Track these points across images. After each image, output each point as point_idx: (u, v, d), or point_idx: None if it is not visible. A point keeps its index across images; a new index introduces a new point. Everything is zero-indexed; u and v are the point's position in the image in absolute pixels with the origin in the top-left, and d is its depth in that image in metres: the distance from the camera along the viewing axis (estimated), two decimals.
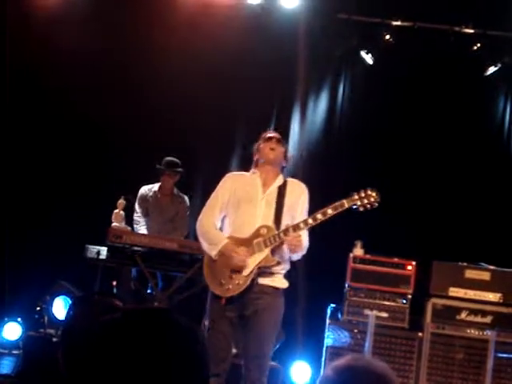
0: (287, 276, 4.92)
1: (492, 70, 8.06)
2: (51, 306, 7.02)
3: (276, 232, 4.72)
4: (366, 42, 8.16)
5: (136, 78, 8.09)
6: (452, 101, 8.19)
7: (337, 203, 4.72)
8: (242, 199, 4.84)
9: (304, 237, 4.79)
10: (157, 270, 6.96)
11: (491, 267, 6.42)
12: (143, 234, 6.95)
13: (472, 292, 6.30)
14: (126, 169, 7.81)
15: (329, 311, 6.43)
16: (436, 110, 8.21)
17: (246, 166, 5.28)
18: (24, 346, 6.75)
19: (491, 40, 7.90)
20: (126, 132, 8.02)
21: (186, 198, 7.52)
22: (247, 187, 4.90)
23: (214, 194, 4.98)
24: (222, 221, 4.95)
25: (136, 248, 6.59)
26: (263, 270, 4.74)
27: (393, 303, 6.36)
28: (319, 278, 7.34)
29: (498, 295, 6.27)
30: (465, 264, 6.43)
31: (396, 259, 6.45)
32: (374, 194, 4.82)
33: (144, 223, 7.38)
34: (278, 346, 6.72)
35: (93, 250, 6.76)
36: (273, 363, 6.53)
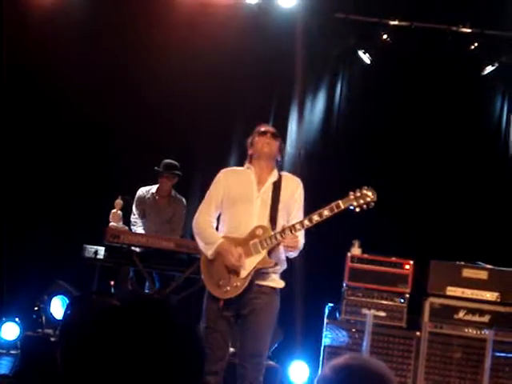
0: (283, 276, 4.92)
1: (489, 69, 8.07)
2: (49, 305, 7.01)
3: (272, 233, 4.70)
4: (364, 42, 8.17)
5: (134, 78, 8.09)
6: (449, 100, 8.20)
7: (333, 204, 4.69)
8: (237, 198, 4.81)
9: (300, 234, 4.78)
10: (154, 270, 6.96)
11: (489, 266, 6.42)
12: (141, 234, 6.95)
13: (469, 291, 6.31)
14: (124, 168, 7.81)
15: (327, 310, 6.43)
16: (433, 110, 8.22)
17: (244, 164, 5.26)
18: (22, 346, 6.75)
19: (488, 39, 7.91)
20: (125, 132, 8.02)
21: (184, 199, 7.53)
22: (242, 185, 4.86)
23: (208, 192, 4.96)
24: (218, 219, 4.94)
25: (133, 248, 6.59)
26: (261, 271, 4.74)
27: (391, 302, 6.36)
28: (317, 277, 7.35)
29: (496, 294, 6.28)
30: (462, 263, 6.43)
31: (394, 258, 6.45)
32: (369, 194, 4.79)
33: (141, 224, 7.39)
34: (276, 346, 6.73)
35: (90, 249, 6.76)
36: (271, 362, 6.54)
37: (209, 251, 4.76)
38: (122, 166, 7.83)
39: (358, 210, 4.76)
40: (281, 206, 4.81)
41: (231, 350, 5.38)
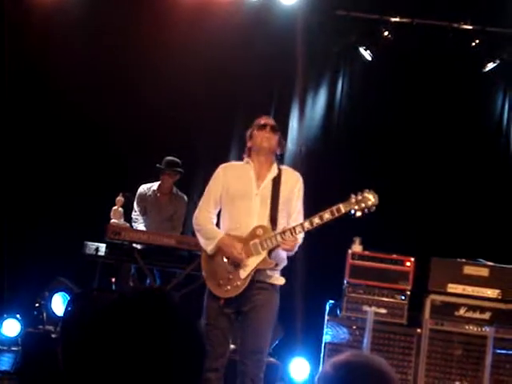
0: (284, 272, 4.93)
1: (490, 66, 8.06)
2: (50, 302, 7.02)
3: (272, 233, 4.69)
4: (365, 39, 8.15)
5: (135, 76, 8.08)
6: (450, 97, 8.19)
7: (334, 207, 4.68)
8: (236, 195, 4.80)
9: (300, 235, 4.79)
10: (155, 267, 6.96)
11: (490, 263, 6.42)
12: (142, 231, 6.96)
13: (470, 288, 6.31)
14: (125, 166, 7.81)
15: (327, 307, 6.43)
16: (434, 107, 8.21)
17: (242, 157, 5.24)
18: (23, 343, 6.76)
19: (490, 36, 7.89)
20: (126, 129, 8.02)
21: (185, 197, 7.52)
22: (241, 181, 4.84)
23: (207, 188, 4.95)
24: (218, 215, 4.93)
25: (135, 244, 6.60)
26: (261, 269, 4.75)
27: (391, 299, 6.36)
28: (318, 274, 7.35)
29: (497, 291, 6.27)
30: (463, 260, 6.43)
31: (394, 255, 6.45)
32: (371, 197, 4.75)
33: (142, 221, 7.39)
34: (276, 343, 6.73)
35: (92, 246, 6.77)
36: (272, 359, 6.55)
37: (209, 246, 4.76)
38: (124, 164, 7.83)
39: (358, 213, 4.74)
40: (281, 203, 4.80)
41: (232, 346, 5.39)
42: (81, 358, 1.50)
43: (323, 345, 6.32)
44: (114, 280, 7.17)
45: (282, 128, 8.35)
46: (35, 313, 7.01)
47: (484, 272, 6.33)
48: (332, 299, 6.51)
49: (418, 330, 6.27)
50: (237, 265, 4.71)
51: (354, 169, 7.99)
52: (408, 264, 6.39)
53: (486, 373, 6.06)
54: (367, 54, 8.20)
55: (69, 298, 6.86)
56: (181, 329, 1.54)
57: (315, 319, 6.68)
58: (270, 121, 4.97)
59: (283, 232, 4.66)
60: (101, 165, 8.04)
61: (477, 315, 6.26)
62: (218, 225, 4.92)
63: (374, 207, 4.77)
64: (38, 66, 8.04)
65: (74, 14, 8.13)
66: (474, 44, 7.92)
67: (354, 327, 6.33)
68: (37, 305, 7.03)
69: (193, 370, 1.54)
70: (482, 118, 8.36)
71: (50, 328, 6.80)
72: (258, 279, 4.74)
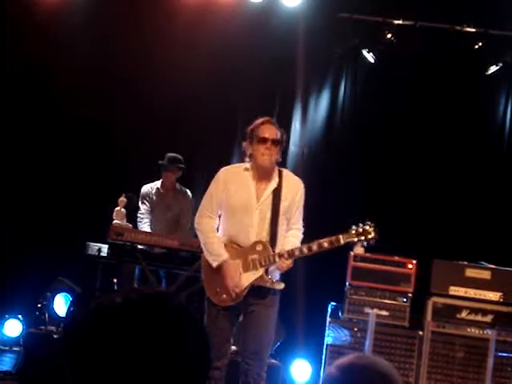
0: (286, 274, 4.94)
1: (493, 69, 8.06)
2: (52, 302, 7.03)
3: (271, 253, 4.70)
4: (368, 41, 8.16)
5: (138, 77, 8.08)
6: (453, 100, 8.19)
7: (333, 238, 4.67)
8: (237, 209, 4.78)
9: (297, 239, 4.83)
10: (158, 268, 6.96)
11: (492, 266, 6.42)
12: (144, 232, 6.95)
13: (472, 291, 6.31)
14: (127, 167, 7.81)
15: (329, 309, 6.43)
16: (437, 109, 8.21)
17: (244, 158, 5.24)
18: (25, 343, 6.76)
19: (493, 39, 7.90)
20: (127, 130, 8.02)
21: (189, 192, 7.51)
22: (241, 193, 4.80)
23: (208, 192, 4.93)
24: (219, 217, 4.94)
25: (137, 246, 6.59)
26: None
27: (393, 302, 6.36)
28: (320, 276, 7.35)
29: (499, 294, 6.27)
30: (465, 263, 6.43)
31: (396, 258, 6.45)
32: (371, 231, 4.73)
33: (147, 220, 7.38)
34: (278, 344, 6.73)
35: (94, 247, 6.76)
36: (273, 361, 6.54)
37: (214, 263, 4.79)
38: (126, 165, 7.83)
39: (358, 246, 4.78)
40: (281, 213, 4.81)
41: (233, 348, 5.40)
42: (84, 360, 1.50)
43: (325, 347, 6.32)
44: (116, 281, 7.17)
45: (284, 130, 8.38)
46: (37, 313, 7.01)
47: (486, 275, 6.33)
48: (334, 301, 6.51)
49: (420, 333, 6.27)
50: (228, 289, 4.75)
51: (355, 171, 7.99)
52: (410, 266, 6.39)
53: (488, 375, 6.06)
54: (370, 57, 8.21)
55: (71, 299, 6.87)
56: (184, 330, 1.54)
57: (317, 321, 6.68)
58: (272, 130, 4.81)
59: (281, 254, 4.69)
60: (103, 166, 8.04)
61: (479, 318, 6.26)
62: (218, 228, 4.94)
63: (373, 242, 4.75)
64: (39, 67, 8.05)
65: (77, 15, 8.14)
66: (476, 47, 7.92)
67: (356, 329, 6.33)
68: (39, 305, 7.03)
69: (198, 371, 1.55)
70: (484, 120, 8.35)
71: (52, 328, 6.79)
72: (257, 284, 4.76)
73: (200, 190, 7.69)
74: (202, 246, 4.91)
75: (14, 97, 7.97)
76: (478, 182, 8.08)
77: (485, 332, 6.20)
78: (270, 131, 4.79)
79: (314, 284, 7.37)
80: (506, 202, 7.98)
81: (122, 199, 6.88)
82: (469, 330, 6.23)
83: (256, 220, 4.77)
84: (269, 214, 4.78)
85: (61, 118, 8.12)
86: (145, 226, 7.32)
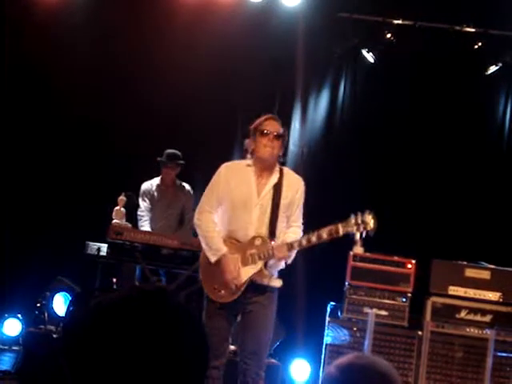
0: (285, 274, 4.94)
1: (493, 69, 8.06)
2: (51, 302, 7.03)
3: (270, 245, 4.70)
4: (367, 41, 8.16)
5: (138, 77, 8.08)
6: (453, 100, 8.19)
7: (332, 227, 4.65)
8: (237, 204, 4.79)
9: (297, 235, 4.81)
10: (157, 267, 6.95)
11: (491, 266, 6.42)
12: (144, 231, 6.96)
13: (472, 291, 6.31)
14: (128, 166, 7.82)
15: (328, 309, 6.43)
16: (437, 109, 8.21)
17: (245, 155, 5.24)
18: (24, 343, 6.76)
19: (492, 39, 7.90)
20: (127, 130, 8.02)
21: (188, 186, 7.50)
22: (242, 188, 4.82)
23: (209, 187, 4.94)
24: (219, 211, 4.93)
25: (136, 245, 6.59)
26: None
27: (392, 301, 6.36)
28: (319, 276, 7.36)
29: (498, 294, 6.27)
30: (465, 263, 6.43)
31: (396, 257, 6.45)
32: (370, 223, 4.72)
33: (147, 218, 7.36)
34: (277, 344, 6.73)
35: (93, 246, 6.76)
36: (273, 360, 6.55)
37: (213, 258, 4.79)
38: (126, 164, 7.84)
39: (357, 236, 4.77)
40: (281, 209, 4.81)
41: (232, 347, 5.40)
42: (82, 359, 1.50)
43: (324, 346, 6.32)
44: (115, 280, 7.17)
45: (284, 130, 8.39)
46: (36, 312, 7.02)
47: (485, 275, 6.33)
48: (333, 301, 6.51)
49: (419, 333, 6.27)
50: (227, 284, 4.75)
51: (355, 171, 7.99)
52: (409, 266, 6.39)
53: (487, 375, 6.06)
54: (370, 57, 8.21)
55: (70, 298, 6.87)
56: (183, 327, 1.54)
57: (316, 321, 6.68)
58: (275, 125, 4.87)
59: (280, 246, 4.68)
60: (103, 166, 8.05)
61: (478, 318, 6.26)
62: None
63: (372, 232, 4.75)
64: (39, 67, 8.04)
65: (77, 15, 8.14)
66: (476, 47, 7.93)
67: (355, 329, 6.33)
68: (38, 304, 7.03)
69: (196, 369, 1.55)
70: (484, 120, 8.36)
71: (52, 328, 6.80)
72: (255, 282, 4.75)
73: (200, 189, 7.67)
74: (201, 240, 4.89)
75: (13, 97, 7.97)
76: (478, 182, 8.09)
77: (484, 332, 6.20)
78: (274, 126, 4.85)
79: (314, 284, 7.37)
80: (506, 201, 7.98)
81: (122, 198, 6.88)
82: (468, 329, 6.23)
83: (256, 215, 4.78)
84: (269, 209, 4.79)
85: (61, 118, 8.12)
86: (145, 223, 7.31)
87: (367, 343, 6.15)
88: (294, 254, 4.80)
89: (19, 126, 8.02)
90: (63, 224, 7.75)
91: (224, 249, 4.76)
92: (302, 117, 8.41)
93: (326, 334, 6.33)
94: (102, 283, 7.12)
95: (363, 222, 4.69)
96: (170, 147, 7.43)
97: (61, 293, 7.10)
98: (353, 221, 4.67)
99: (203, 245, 4.87)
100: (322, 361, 6.32)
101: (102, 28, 8.12)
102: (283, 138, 4.91)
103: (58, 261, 7.55)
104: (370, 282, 6.39)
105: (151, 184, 7.47)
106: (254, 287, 4.76)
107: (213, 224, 4.86)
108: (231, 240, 4.80)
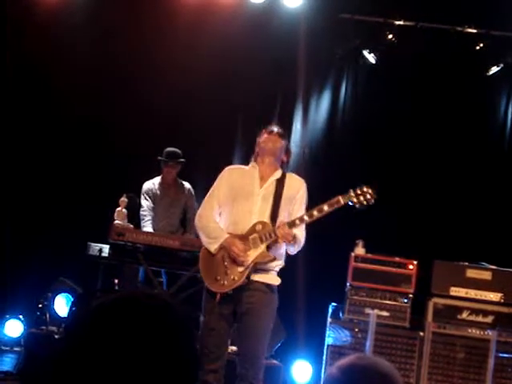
0: (286, 274, 4.93)
1: (494, 69, 8.06)
2: (53, 303, 7.03)
3: (271, 228, 4.71)
4: (369, 42, 8.16)
5: (138, 77, 8.09)
6: (454, 100, 8.19)
7: (332, 200, 4.72)
8: (239, 194, 4.82)
9: (301, 232, 4.78)
10: (159, 268, 6.95)
11: (492, 267, 6.43)
12: (146, 232, 6.95)
13: (473, 292, 6.31)
14: (128, 166, 7.82)
15: (330, 310, 6.44)
16: (438, 110, 8.21)
17: (247, 164, 5.27)
18: (25, 343, 6.76)
19: (494, 40, 7.90)
20: (128, 131, 8.02)
21: (187, 184, 7.49)
22: (245, 181, 4.88)
23: (212, 188, 4.97)
24: (219, 215, 4.95)
25: (138, 246, 6.60)
26: (258, 267, 4.75)
27: (394, 302, 6.37)
28: (320, 276, 7.35)
29: (499, 295, 6.28)
30: (466, 263, 6.44)
31: (397, 258, 6.45)
32: (370, 191, 4.80)
33: (150, 218, 7.35)
34: (279, 345, 6.73)
35: (95, 247, 6.77)
36: (274, 361, 6.55)
37: (213, 245, 4.77)
38: (126, 164, 7.84)
39: (358, 206, 4.77)
40: (282, 204, 4.82)
41: (233, 348, 5.38)
42: (68, 367, 1.51)
43: (325, 347, 6.32)
44: (117, 281, 7.17)
45: (285, 130, 8.38)
46: (38, 313, 7.02)
47: (487, 275, 6.34)
48: (334, 302, 6.52)
49: (421, 333, 6.27)
50: (235, 260, 4.73)
51: (357, 171, 7.98)
52: (411, 267, 6.39)
53: (489, 376, 6.06)
54: (371, 58, 8.21)
55: (72, 299, 6.87)
56: (173, 333, 1.53)
57: (318, 322, 6.69)
58: (279, 129, 5.01)
59: (282, 225, 4.68)
60: (104, 166, 8.05)
61: (479, 319, 6.27)
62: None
63: (373, 201, 4.79)
64: (39, 67, 8.05)
65: (77, 15, 8.15)
66: (477, 48, 7.93)
67: (357, 330, 6.34)
68: (40, 305, 7.03)
69: (186, 373, 1.54)
70: (485, 121, 8.36)
71: (53, 329, 6.80)
72: (254, 279, 4.74)
73: (200, 189, 7.70)
74: (201, 236, 4.89)
75: (14, 97, 7.97)
76: (479, 183, 8.09)
77: (485, 333, 6.21)
78: (278, 128, 5.02)
79: (315, 284, 7.37)
80: (507, 202, 7.98)
81: (123, 199, 6.88)
82: (469, 330, 6.23)
83: (257, 205, 4.79)
84: (271, 200, 4.81)
85: (61, 118, 8.12)
86: (147, 223, 7.31)
87: (369, 344, 6.16)
88: (297, 236, 4.75)
89: (20, 126, 8.02)
90: (65, 225, 7.76)
91: (225, 234, 4.77)
92: (304, 117, 8.41)
93: (327, 334, 6.33)
94: (103, 284, 7.12)
95: (362, 192, 4.77)
96: (170, 147, 7.42)
97: (62, 294, 7.10)
98: (352, 193, 4.76)
99: (203, 238, 4.85)
100: (324, 362, 6.32)
101: (102, 28, 8.13)
102: (287, 141, 5.05)
103: (60, 262, 7.55)
104: (371, 283, 6.39)
105: (153, 183, 7.47)
106: (253, 285, 4.72)
107: (213, 219, 4.88)
108: (233, 234, 4.79)
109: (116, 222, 6.73)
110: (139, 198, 7.45)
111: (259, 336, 4.75)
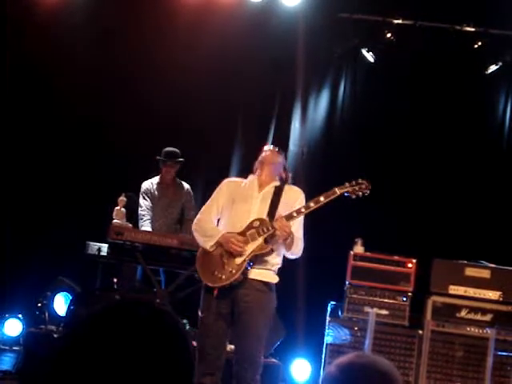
0: (284, 273, 4.94)
1: (493, 68, 8.07)
2: (52, 302, 7.03)
3: (268, 222, 4.75)
4: (368, 41, 8.16)
5: (138, 77, 8.09)
6: (453, 99, 8.19)
7: (329, 191, 4.83)
8: (238, 198, 4.88)
9: (298, 240, 4.81)
10: (157, 267, 6.95)
11: (491, 265, 6.43)
12: (144, 231, 6.95)
13: (472, 290, 6.32)
14: (128, 166, 7.82)
15: (329, 309, 6.44)
16: (437, 108, 8.22)
17: (246, 165, 5.30)
18: (25, 343, 6.76)
19: (492, 38, 7.90)
20: (127, 130, 8.02)
21: (186, 184, 7.49)
22: (244, 188, 4.95)
23: (211, 198, 5.03)
24: (218, 221, 4.98)
25: (137, 245, 6.60)
26: (256, 264, 4.75)
27: (393, 301, 6.37)
28: (319, 275, 7.35)
29: (498, 293, 6.28)
30: (465, 262, 6.44)
31: (396, 257, 6.46)
32: (364, 182, 4.95)
33: (149, 217, 7.35)
34: (278, 343, 6.73)
35: (94, 246, 6.77)
36: (273, 360, 6.55)
37: (208, 243, 4.80)
38: (126, 164, 7.84)
39: (353, 196, 4.89)
40: (280, 208, 4.84)
41: (231, 347, 5.38)
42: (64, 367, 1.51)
43: (325, 346, 6.32)
44: (115, 280, 7.17)
45: (284, 129, 8.41)
46: (37, 313, 7.02)
47: (485, 274, 6.34)
48: (333, 300, 6.52)
49: (420, 332, 6.28)
50: (233, 253, 4.74)
51: (355, 170, 7.97)
52: (410, 265, 6.40)
53: (488, 374, 6.07)
54: (370, 56, 8.21)
55: (71, 298, 6.87)
56: (166, 341, 1.54)
57: (317, 320, 6.69)
58: (276, 148, 5.17)
59: (280, 218, 4.70)
60: (103, 165, 8.05)
61: (478, 317, 6.27)
62: None
63: (368, 191, 4.93)
64: (39, 67, 8.05)
65: (77, 15, 8.15)
66: (476, 46, 7.93)
67: (356, 328, 6.34)
68: (39, 305, 7.03)
69: (181, 377, 1.54)
70: (484, 119, 8.36)
71: (52, 328, 6.79)
72: (251, 277, 4.75)
73: (200, 190, 7.71)
74: (195, 235, 4.92)
75: (14, 97, 7.97)
76: (478, 181, 8.09)
77: (484, 331, 6.21)
78: (274, 147, 5.20)
79: (314, 283, 7.37)
80: (506, 200, 7.98)
81: (122, 199, 6.88)
82: (468, 329, 6.24)
83: (256, 206, 4.84)
84: (269, 200, 4.87)
85: (61, 118, 8.13)
86: (146, 223, 7.30)
87: (368, 342, 6.16)
88: (295, 231, 4.77)
89: (20, 126, 8.02)
90: (64, 224, 7.76)
91: (221, 232, 4.82)
92: (302, 116, 8.41)
93: (326, 333, 6.33)
94: (102, 283, 7.13)
95: (357, 183, 4.93)
96: (169, 147, 7.42)
97: (61, 293, 7.10)
98: (347, 184, 4.92)
99: (199, 238, 4.89)
100: (323, 360, 6.33)
101: (102, 28, 8.13)
102: (283, 157, 5.18)
103: (59, 261, 7.55)
104: (370, 282, 6.40)
105: (151, 183, 7.46)
106: (250, 283, 4.72)
107: (210, 222, 4.94)
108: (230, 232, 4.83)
109: (115, 221, 6.73)
110: (138, 197, 7.45)
111: (256, 335, 4.74)
